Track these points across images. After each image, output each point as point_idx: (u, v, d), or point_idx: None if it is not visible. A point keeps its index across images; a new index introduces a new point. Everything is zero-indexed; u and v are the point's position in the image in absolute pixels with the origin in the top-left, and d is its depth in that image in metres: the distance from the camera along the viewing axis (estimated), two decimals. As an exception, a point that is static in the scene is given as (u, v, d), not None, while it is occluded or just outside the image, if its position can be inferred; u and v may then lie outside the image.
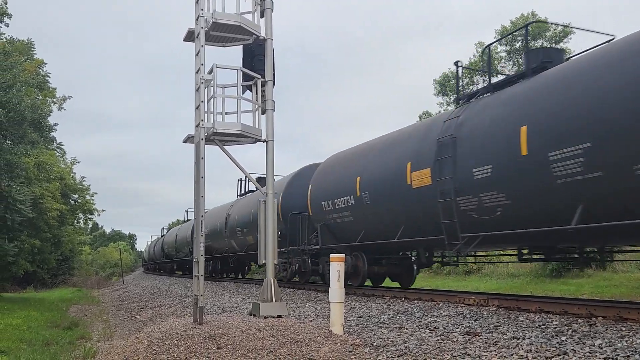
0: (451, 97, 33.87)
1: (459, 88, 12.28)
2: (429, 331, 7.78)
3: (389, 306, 10.53)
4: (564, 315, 8.22)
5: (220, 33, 10.08)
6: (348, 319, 9.50)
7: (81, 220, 36.81)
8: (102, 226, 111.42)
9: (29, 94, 22.61)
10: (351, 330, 8.56)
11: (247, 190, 25.64)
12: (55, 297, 27.70)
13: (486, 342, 6.69)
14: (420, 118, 36.99)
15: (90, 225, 66.92)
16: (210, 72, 9.74)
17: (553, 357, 5.76)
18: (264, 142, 10.17)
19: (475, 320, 8.25)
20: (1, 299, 21.90)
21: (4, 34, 23.84)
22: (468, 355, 6.17)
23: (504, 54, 33.04)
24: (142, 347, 8.12)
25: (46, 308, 19.67)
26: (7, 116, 18.52)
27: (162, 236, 50.12)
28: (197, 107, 9.81)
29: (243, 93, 9.89)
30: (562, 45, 30.69)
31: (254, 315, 9.68)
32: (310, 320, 9.62)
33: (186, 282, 26.52)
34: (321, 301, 12.43)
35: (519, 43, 31.89)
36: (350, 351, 7.23)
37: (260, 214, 10.09)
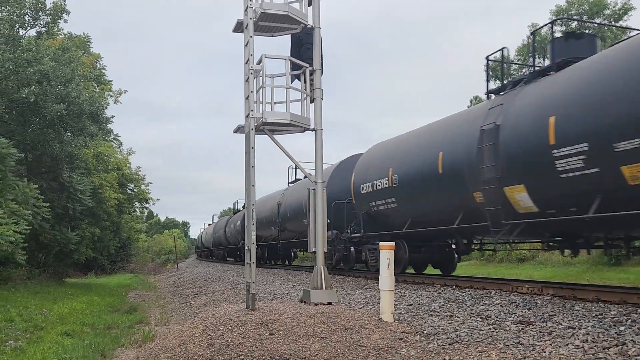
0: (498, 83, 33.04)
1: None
2: (480, 319, 7.71)
3: (440, 294, 10.48)
4: (622, 304, 7.98)
5: (268, 23, 10.17)
6: (398, 306, 9.51)
7: (137, 209, 38.14)
8: (156, 214, 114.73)
9: (87, 87, 23.44)
10: (401, 317, 8.57)
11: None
12: (115, 282, 28.83)
13: (540, 332, 6.58)
14: (471, 103, 36.28)
15: (145, 214, 69.20)
16: (259, 62, 9.85)
17: (611, 347, 5.62)
18: (312, 130, 10.23)
19: (528, 309, 8.11)
20: (65, 284, 22.89)
21: (62, 29, 24.73)
22: (521, 344, 6.09)
23: (559, 35, 31.89)
24: (197, 332, 8.38)
25: (107, 293, 20.46)
26: (67, 109, 19.25)
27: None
28: (247, 98, 9.95)
29: (291, 82, 9.97)
30: (621, 22, 29.42)
31: (305, 302, 9.82)
32: (360, 308, 9.68)
33: (237, 268, 27.00)
34: (371, 289, 12.47)
35: (575, 23, 30.75)
36: (401, 339, 7.25)
37: (310, 202, 10.18)
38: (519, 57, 30.77)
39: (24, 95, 18.27)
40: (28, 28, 20.69)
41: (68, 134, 21.07)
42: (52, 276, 22.55)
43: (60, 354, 8.28)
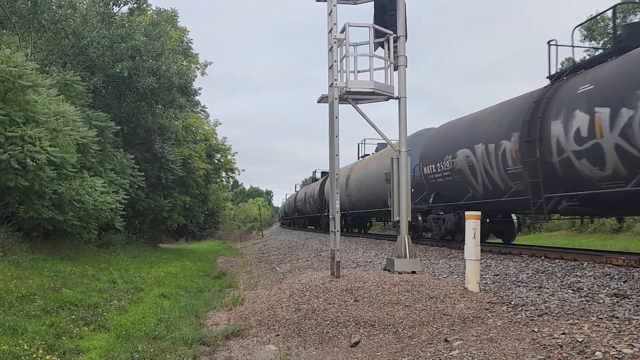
0: (599, 42, 30.99)
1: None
2: (571, 292, 7.48)
3: (527, 265, 10.22)
4: None
5: (351, -9, 10.09)
6: (484, 276, 9.38)
7: (224, 179, 39.53)
8: (241, 183, 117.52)
9: (176, 61, 24.28)
10: (487, 288, 8.46)
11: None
12: (204, 248, 30.11)
13: (637, 305, 6.30)
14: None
15: (231, 183, 71.59)
16: (343, 31, 9.82)
17: None
18: (396, 99, 10.14)
19: (624, 282, 7.77)
20: (159, 249, 24.24)
21: (151, 5, 25.66)
22: (616, 317, 5.87)
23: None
24: (284, 297, 8.67)
25: (197, 258, 21.49)
26: (157, 82, 20.09)
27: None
28: (330, 67, 9.98)
29: (375, 50, 9.88)
30: None
31: (389, 271, 9.90)
32: (445, 277, 9.64)
33: (319, 236, 27.43)
34: (455, 258, 12.35)
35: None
36: (487, 309, 7.18)
37: (394, 171, 10.16)
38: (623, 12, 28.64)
39: (118, 70, 19.19)
40: (121, 5, 21.62)
41: (159, 106, 22.03)
42: (148, 242, 23.85)
43: (159, 314, 8.84)
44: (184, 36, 30.22)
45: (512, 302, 7.28)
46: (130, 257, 17.07)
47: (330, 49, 9.95)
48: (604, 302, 6.70)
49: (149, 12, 25.63)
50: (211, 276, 15.06)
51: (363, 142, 30.14)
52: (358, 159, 27.21)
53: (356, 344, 6.72)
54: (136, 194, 19.66)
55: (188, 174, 26.49)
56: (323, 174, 39.86)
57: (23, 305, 7.92)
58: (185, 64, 28.76)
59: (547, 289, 7.87)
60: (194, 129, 30.01)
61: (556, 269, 9.52)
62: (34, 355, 5.94)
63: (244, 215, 75.51)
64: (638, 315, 5.89)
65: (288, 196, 59.60)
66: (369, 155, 26.16)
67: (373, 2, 10.37)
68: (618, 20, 28.83)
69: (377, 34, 9.97)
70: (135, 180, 18.78)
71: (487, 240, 16.06)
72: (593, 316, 6.05)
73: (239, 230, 57.36)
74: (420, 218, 16.89)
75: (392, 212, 10.28)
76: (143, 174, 19.55)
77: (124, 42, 19.16)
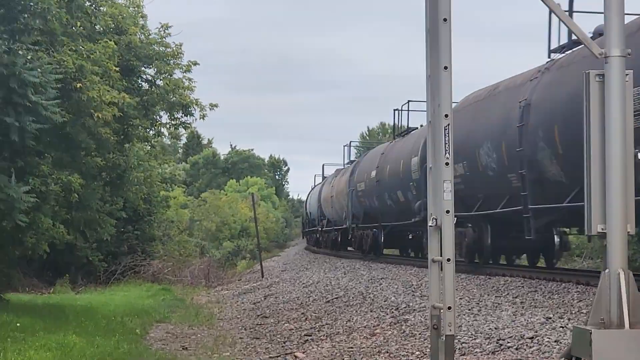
0: None
1: None
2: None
3: None
4: None
5: None
6: None
7: (167, 129, 16.16)
8: (209, 140, 58.73)
9: None
10: None
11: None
12: (118, 303, 13.62)
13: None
14: None
15: (183, 140, 40.09)
16: None
17: None
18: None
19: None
20: (7, 306, 11.02)
21: None
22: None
23: None
24: None
25: (100, 329, 9.61)
26: None
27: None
28: None
29: None
30: None
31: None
32: None
33: (400, 270, 15.08)
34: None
35: None
36: None
37: (590, 104, 4.10)
38: None
39: None
40: None
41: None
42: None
43: None
44: None
45: None
46: None
47: None
48: None
49: None
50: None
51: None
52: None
53: None
54: None
55: (76, 117, 10.75)
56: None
57: None
58: None
59: None
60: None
61: None
62: None
63: (217, 222, 34.30)
64: None
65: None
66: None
67: None
68: None
69: None
70: None
71: None
72: None
73: (204, 258, 25.54)
74: None
75: (588, 215, 4.13)
76: None
77: None
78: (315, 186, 35.21)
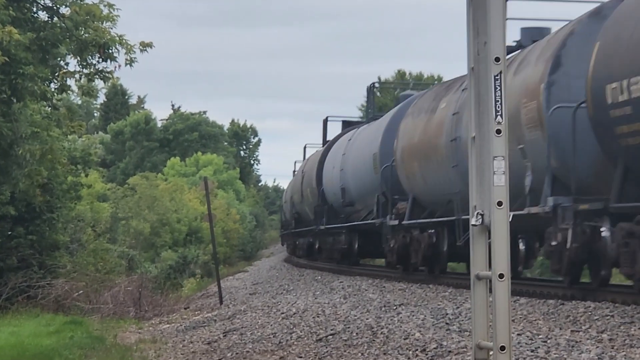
0: None
1: None
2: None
3: None
4: None
5: None
6: None
7: (75, 83, 12.04)
8: (141, 99, 45.13)
9: None
10: None
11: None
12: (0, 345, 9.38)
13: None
14: None
15: (101, 98, 30.09)
16: None
17: None
18: None
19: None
20: None
21: None
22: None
23: None
24: None
25: None
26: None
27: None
28: None
29: None
30: None
31: None
32: None
33: (429, 293, 12.09)
34: None
35: None
36: None
37: None
38: None
39: None
40: None
41: None
42: None
43: None
44: None
45: None
46: None
47: None
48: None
49: None
50: None
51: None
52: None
53: None
54: None
55: None
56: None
57: None
58: None
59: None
60: None
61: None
62: None
63: (153, 221, 25.68)
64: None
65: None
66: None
67: None
68: None
69: None
70: None
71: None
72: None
73: (131, 278, 18.21)
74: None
75: None
76: None
77: None
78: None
